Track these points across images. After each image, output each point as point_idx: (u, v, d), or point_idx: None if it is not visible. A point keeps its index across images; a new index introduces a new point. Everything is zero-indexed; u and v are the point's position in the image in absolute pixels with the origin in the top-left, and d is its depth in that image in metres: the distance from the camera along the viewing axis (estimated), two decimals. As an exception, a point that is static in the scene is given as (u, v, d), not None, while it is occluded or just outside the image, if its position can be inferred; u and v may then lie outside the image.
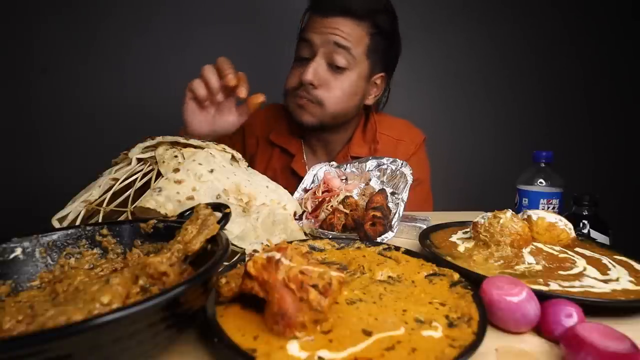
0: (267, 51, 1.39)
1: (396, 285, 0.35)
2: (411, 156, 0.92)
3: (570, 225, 0.50)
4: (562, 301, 0.32)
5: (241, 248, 0.41)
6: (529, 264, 0.43)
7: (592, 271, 0.41)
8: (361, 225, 0.52)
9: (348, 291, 0.33)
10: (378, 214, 0.53)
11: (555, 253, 0.46)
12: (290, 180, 0.88)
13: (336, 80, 0.79)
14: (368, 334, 0.26)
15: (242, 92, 0.65)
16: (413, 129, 0.97)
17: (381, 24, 0.80)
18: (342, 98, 0.81)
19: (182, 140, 0.49)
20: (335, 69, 0.78)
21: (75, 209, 0.42)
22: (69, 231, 0.35)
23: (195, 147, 0.49)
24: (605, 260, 0.45)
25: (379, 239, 0.51)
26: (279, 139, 0.92)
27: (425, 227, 0.57)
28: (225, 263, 0.37)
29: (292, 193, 0.66)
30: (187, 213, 0.37)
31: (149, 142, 0.48)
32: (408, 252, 0.43)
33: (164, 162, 0.45)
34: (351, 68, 0.79)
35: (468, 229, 0.53)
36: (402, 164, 0.65)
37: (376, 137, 0.91)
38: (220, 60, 0.66)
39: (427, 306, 0.31)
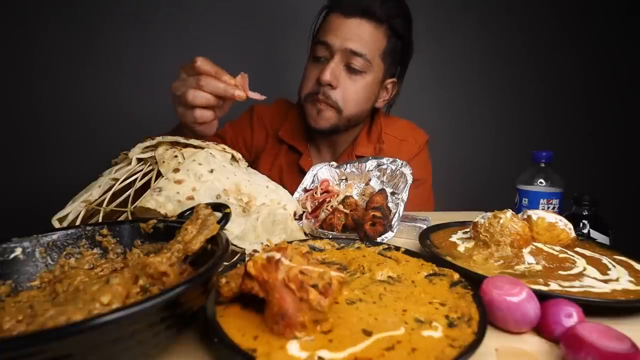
0: (268, 50, 1.39)
1: (396, 285, 0.35)
2: (414, 156, 0.92)
3: (570, 225, 0.50)
4: (562, 301, 0.32)
5: (241, 248, 0.41)
6: (529, 264, 0.43)
7: (592, 271, 0.41)
8: (361, 225, 0.52)
9: (348, 291, 0.33)
10: (378, 214, 0.53)
11: (555, 253, 0.46)
12: (297, 177, 0.88)
13: (353, 81, 0.79)
14: (368, 334, 0.26)
15: (252, 95, 0.58)
16: (416, 129, 0.97)
17: (398, 28, 0.81)
18: (357, 101, 0.81)
19: (182, 140, 0.49)
20: (352, 70, 0.79)
21: (75, 209, 0.42)
22: (69, 231, 0.35)
23: (195, 147, 0.49)
24: (605, 260, 0.45)
25: (379, 239, 0.51)
26: (288, 136, 0.92)
27: (425, 227, 0.57)
28: (225, 263, 0.37)
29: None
30: (187, 213, 0.37)
31: (149, 142, 0.48)
32: (408, 252, 0.43)
33: (164, 162, 0.45)
34: (367, 71, 0.80)
35: (468, 229, 0.53)
36: (402, 164, 0.65)
37: (381, 137, 0.91)
38: (214, 70, 0.56)
39: (427, 306, 0.31)
